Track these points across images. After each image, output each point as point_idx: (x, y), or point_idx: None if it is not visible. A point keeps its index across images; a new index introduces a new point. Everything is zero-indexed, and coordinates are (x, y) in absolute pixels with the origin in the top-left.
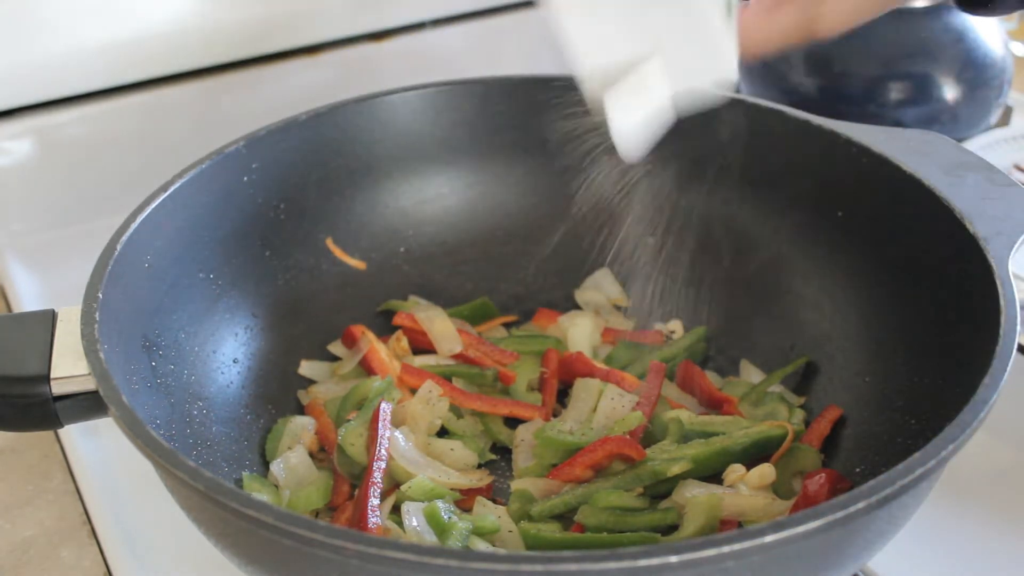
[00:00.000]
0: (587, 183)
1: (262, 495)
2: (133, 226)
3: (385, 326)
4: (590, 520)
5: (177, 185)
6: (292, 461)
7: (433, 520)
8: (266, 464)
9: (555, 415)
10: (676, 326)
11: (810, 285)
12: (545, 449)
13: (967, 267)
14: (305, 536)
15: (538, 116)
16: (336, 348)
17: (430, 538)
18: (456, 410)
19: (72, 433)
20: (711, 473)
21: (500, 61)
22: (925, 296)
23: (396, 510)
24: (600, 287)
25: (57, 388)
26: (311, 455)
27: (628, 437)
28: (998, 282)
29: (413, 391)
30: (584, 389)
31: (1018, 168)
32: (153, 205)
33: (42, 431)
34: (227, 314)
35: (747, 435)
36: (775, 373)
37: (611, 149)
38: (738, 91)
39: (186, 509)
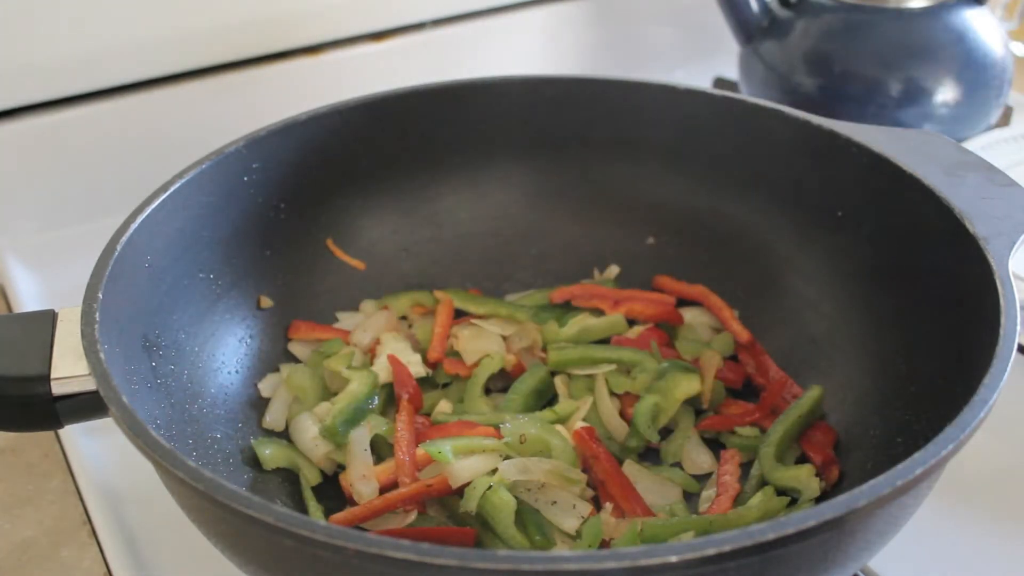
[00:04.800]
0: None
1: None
2: (133, 226)
3: None
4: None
5: (177, 185)
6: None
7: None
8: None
9: None
10: None
11: (810, 285)
12: None
13: (967, 267)
14: (305, 536)
15: (538, 116)
16: None
17: None
18: None
19: (72, 433)
20: None
21: (500, 61)
22: (925, 296)
23: None
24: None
25: (57, 388)
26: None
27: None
28: (998, 282)
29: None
30: None
31: None
32: (153, 205)
33: (42, 431)
34: (227, 314)
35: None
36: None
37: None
38: (738, 91)
39: (186, 509)
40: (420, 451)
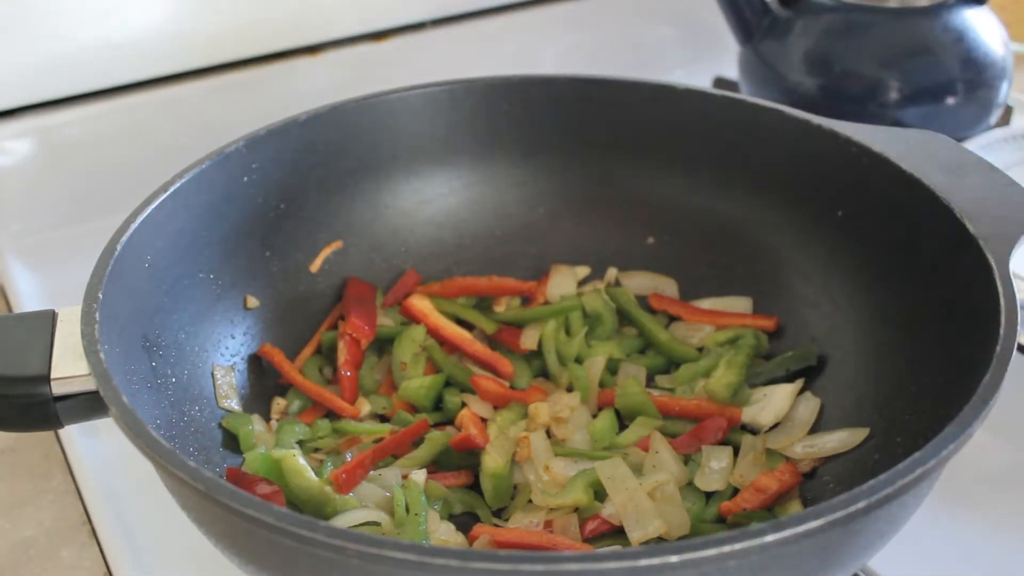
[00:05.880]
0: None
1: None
2: (133, 226)
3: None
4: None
5: (177, 185)
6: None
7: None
8: None
9: None
10: None
11: (810, 285)
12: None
13: (967, 267)
14: (305, 536)
15: (538, 116)
16: None
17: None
18: None
19: (72, 433)
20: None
21: (500, 61)
22: (925, 296)
23: None
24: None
25: (57, 388)
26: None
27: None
28: (998, 282)
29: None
30: None
31: None
32: (153, 205)
33: (42, 431)
34: (227, 314)
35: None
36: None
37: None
38: (738, 91)
39: (186, 509)
40: None
